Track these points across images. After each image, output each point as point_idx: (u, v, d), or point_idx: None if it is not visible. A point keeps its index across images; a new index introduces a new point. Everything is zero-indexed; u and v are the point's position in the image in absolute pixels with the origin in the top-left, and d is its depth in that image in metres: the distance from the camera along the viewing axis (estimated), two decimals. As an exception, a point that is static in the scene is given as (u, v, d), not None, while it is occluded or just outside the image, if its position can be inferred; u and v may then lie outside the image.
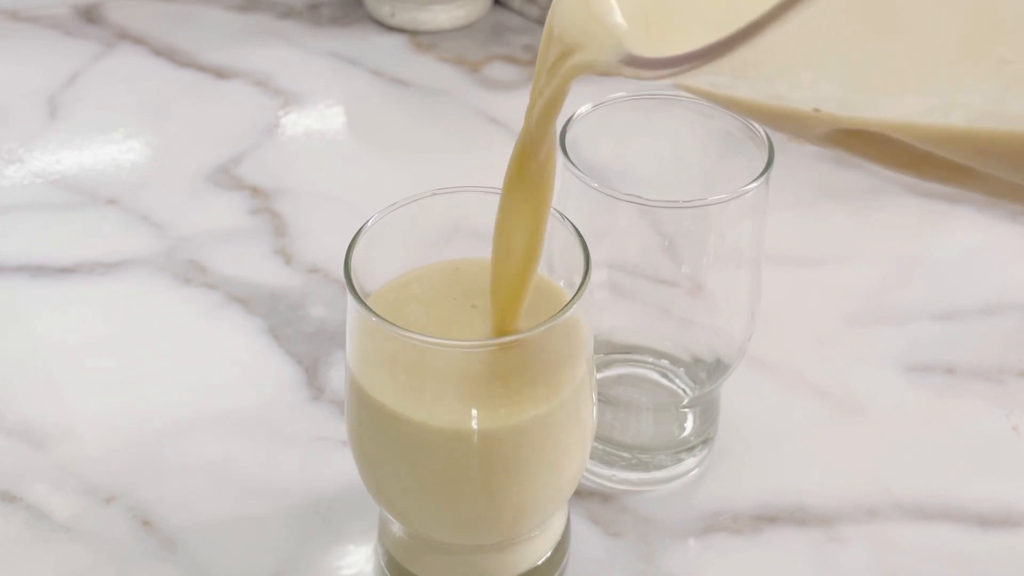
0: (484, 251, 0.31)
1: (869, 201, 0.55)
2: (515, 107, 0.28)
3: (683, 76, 0.20)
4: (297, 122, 0.62)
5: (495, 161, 0.31)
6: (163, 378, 0.45)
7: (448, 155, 0.59)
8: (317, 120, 0.62)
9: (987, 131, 0.18)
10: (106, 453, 0.42)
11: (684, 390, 0.40)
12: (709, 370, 0.40)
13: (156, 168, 0.58)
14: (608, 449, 0.40)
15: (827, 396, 0.44)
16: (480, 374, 0.29)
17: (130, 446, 0.42)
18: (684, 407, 0.41)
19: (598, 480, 0.41)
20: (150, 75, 0.66)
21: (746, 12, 0.18)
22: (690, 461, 0.41)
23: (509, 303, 0.30)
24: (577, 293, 0.29)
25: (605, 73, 0.23)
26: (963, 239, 0.53)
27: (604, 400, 0.40)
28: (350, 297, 0.30)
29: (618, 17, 0.23)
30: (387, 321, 0.28)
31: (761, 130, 0.36)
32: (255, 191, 0.56)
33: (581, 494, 0.40)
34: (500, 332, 0.31)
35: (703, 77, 0.20)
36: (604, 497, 0.40)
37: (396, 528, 0.36)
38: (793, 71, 0.19)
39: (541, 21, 0.65)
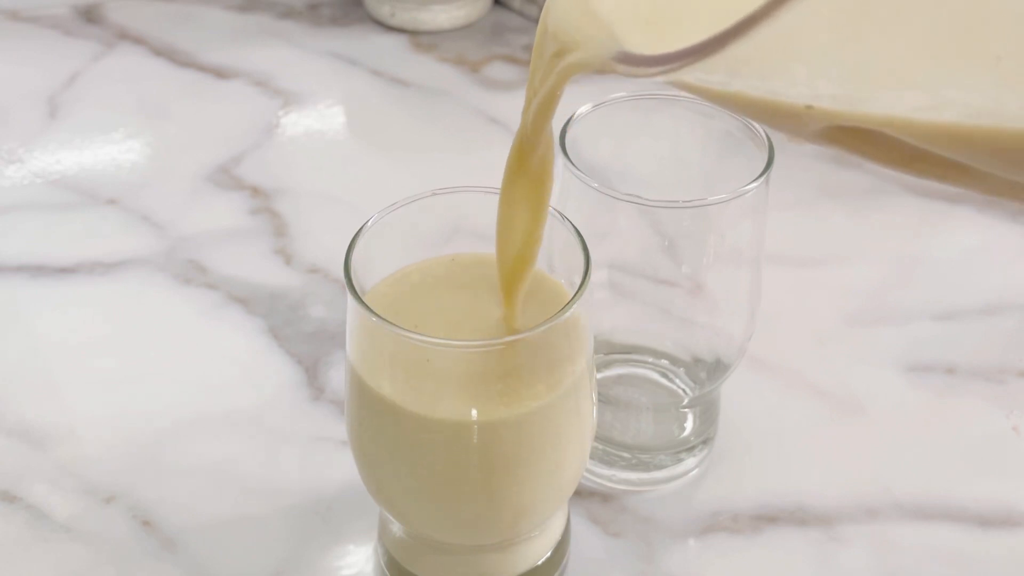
0: (483, 250, 0.31)
1: (869, 201, 0.55)
2: (515, 107, 0.28)
3: (677, 73, 0.20)
4: (297, 122, 0.62)
5: (495, 161, 0.31)
6: (163, 378, 0.45)
7: (448, 155, 0.59)
8: (317, 120, 0.62)
9: (980, 128, 0.18)
10: (106, 453, 0.42)
11: (684, 390, 0.40)
12: (709, 370, 0.40)
13: (156, 168, 0.58)
14: (608, 449, 0.40)
15: (827, 396, 0.44)
16: (480, 370, 0.29)
17: (130, 446, 0.42)
18: (684, 407, 0.41)
19: (598, 480, 0.41)
20: (150, 75, 0.66)
21: (740, 8, 0.18)
22: (690, 461, 0.41)
23: (509, 294, 0.30)
24: (577, 293, 0.29)
25: (600, 71, 0.23)
26: (963, 239, 0.53)
27: (604, 400, 0.40)
28: (350, 297, 0.30)
29: (612, 15, 0.23)
30: (387, 321, 0.28)
31: (761, 130, 0.36)
32: (255, 191, 0.56)
33: (581, 494, 0.40)
34: (504, 322, 0.31)
35: (697, 74, 0.20)
36: (604, 497, 0.40)
37: (396, 528, 0.36)
38: (786, 67, 0.19)
39: (541, 21, 0.65)
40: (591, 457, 0.41)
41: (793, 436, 0.43)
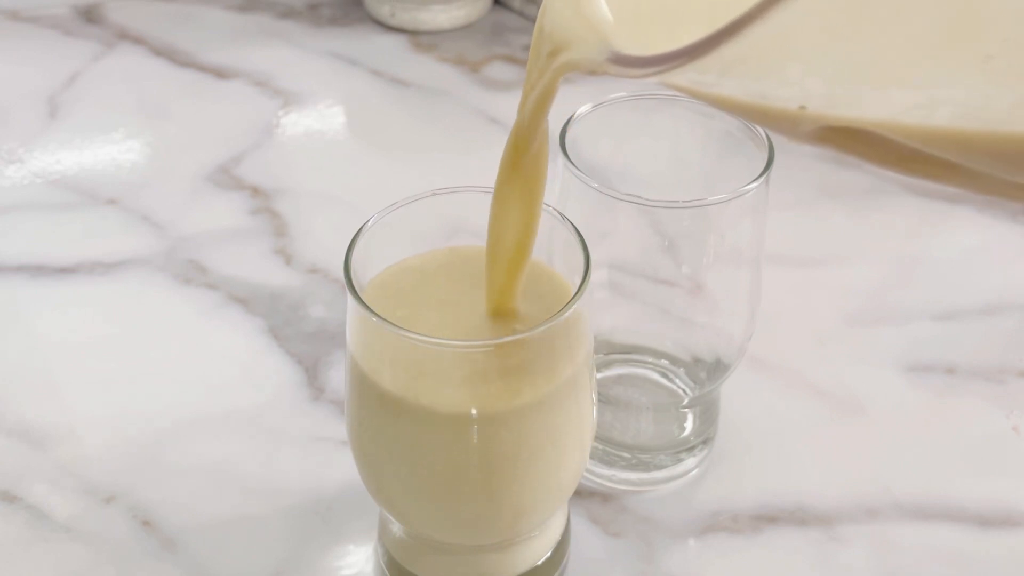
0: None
1: (869, 201, 0.55)
2: (515, 107, 0.28)
3: (670, 74, 0.20)
4: (297, 122, 0.62)
5: (495, 161, 0.31)
6: (163, 378, 0.45)
7: (448, 155, 0.59)
8: (317, 120, 0.62)
9: (972, 129, 0.18)
10: (106, 453, 0.42)
11: (684, 390, 0.40)
12: (709, 370, 0.40)
13: (156, 168, 0.58)
14: (608, 449, 0.40)
15: (827, 396, 0.44)
16: (480, 367, 0.29)
17: (130, 446, 0.42)
18: (684, 407, 0.41)
19: (598, 480, 0.41)
20: (150, 75, 0.66)
21: (732, 10, 0.18)
22: (690, 461, 0.41)
23: (503, 289, 0.30)
24: (577, 293, 0.29)
25: (592, 71, 0.24)
26: (963, 239, 0.53)
27: (604, 400, 0.40)
28: (350, 297, 0.30)
29: (606, 15, 0.24)
30: (387, 321, 0.28)
31: (761, 130, 0.36)
32: (255, 191, 0.56)
33: (581, 494, 0.40)
34: (498, 315, 0.31)
35: (689, 75, 0.20)
36: (604, 497, 0.40)
37: (396, 528, 0.36)
38: (778, 68, 0.19)
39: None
40: (591, 457, 0.41)
41: (793, 436, 0.43)
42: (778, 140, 0.35)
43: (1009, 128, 0.17)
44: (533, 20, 0.71)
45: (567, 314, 0.29)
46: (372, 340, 0.30)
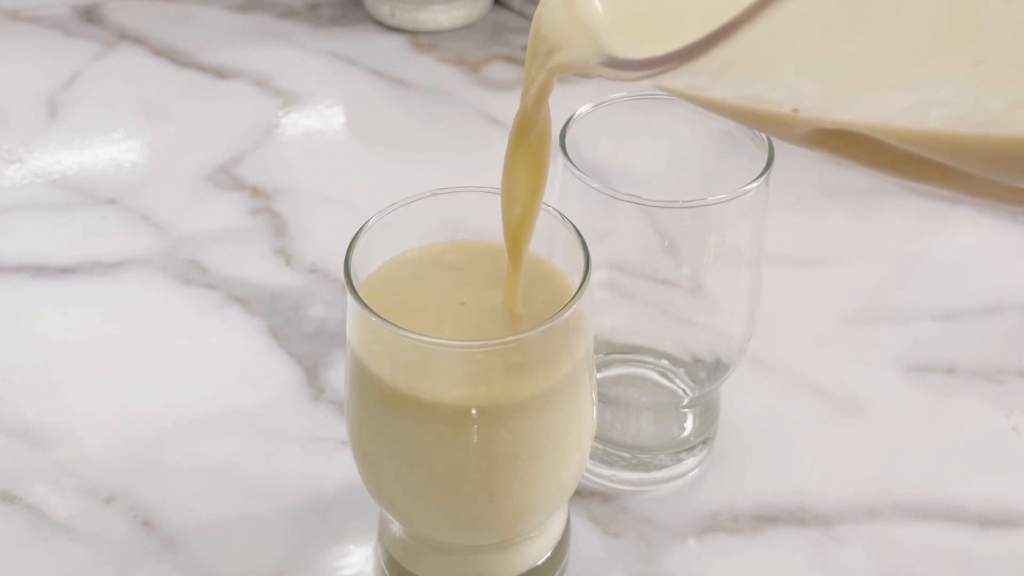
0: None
1: (869, 201, 0.55)
2: (515, 107, 0.29)
3: (662, 77, 0.20)
4: (297, 122, 0.62)
5: (495, 161, 0.31)
6: (163, 378, 0.45)
7: (448, 155, 0.59)
8: (317, 120, 0.62)
9: (965, 134, 0.18)
10: (106, 453, 0.42)
11: (684, 390, 0.40)
12: (709, 370, 0.40)
13: (156, 168, 0.58)
14: (608, 449, 0.41)
15: (827, 396, 0.44)
16: (481, 363, 0.29)
17: (130, 446, 0.42)
18: (684, 407, 0.41)
19: (598, 480, 0.41)
20: (150, 75, 0.66)
21: (724, 13, 0.18)
22: (690, 461, 0.41)
23: (513, 256, 0.31)
24: (577, 293, 0.29)
25: (585, 74, 0.24)
26: (963, 239, 0.53)
27: (604, 400, 0.40)
28: (351, 298, 0.30)
29: (600, 18, 0.24)
30: (387, 321, 0.28)
31: (761, 130, 0.36)
32: (255, 191, 0.56)
33: (581, 494, 0.40)
34: (504, 305, 0.31)
35: (683, 78, 0.20)
36: (604, 497, 0.40)
37: (396, 528, 0.36)
38: (771, 71, 0.19)
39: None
40: (591, 457, 0.41)
41: (793, 436, 0.43)
42: (778, 140, 0.35)
43: (1001, 131, 0.17)
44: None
45: (567, 314, 0.29)
46: (372, 339, 0.30)
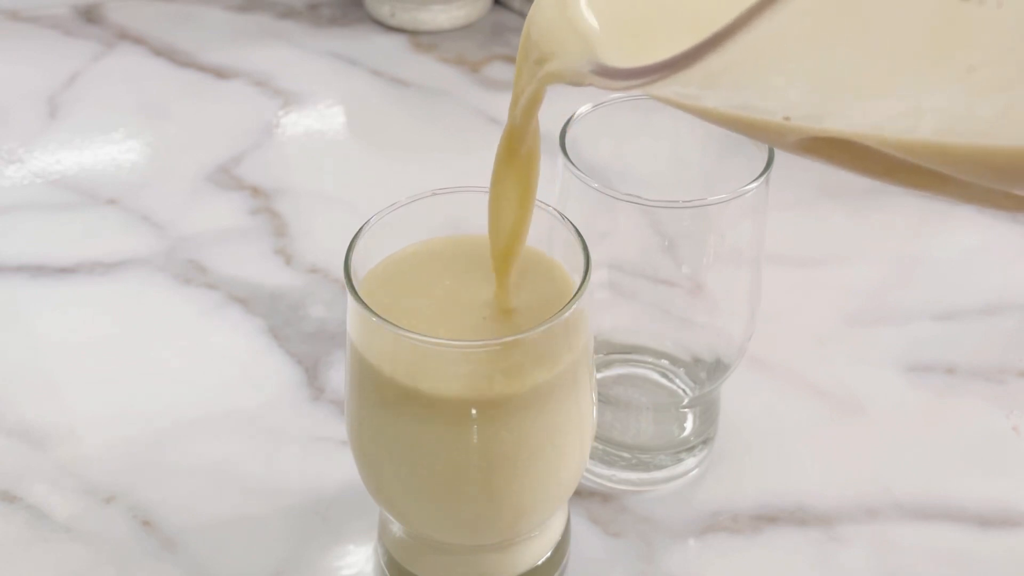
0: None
1: (869, 201, 0.55)
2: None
3: (653, 86, 0.20)
4: (297, 122, 0.62)
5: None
6: (163, 378, 0.45)
7: (448, 155, 0.59)
8: (317, 120, 0.62)
9: (956, 143, 0.18)
10: (106, 453, 0.42)
11: (684, 390, 0.40)
12: (709, 370, 0.40)
13: (156, 168, 0.58)
14: (608, 449, 0.41)
15: (827, 396, 0.44)
16: (480, 364, 0.29)
17: (130, 446, 0.42)
18: (684, 407, 0.41)
19: (598, 480, 0.41)
20: (150, 75, 0.66)
21: (717, 22, 0.18)
22: (690, 461, 0.41)
23: (501, 273, 0.31)
24: (577, 293, 0.29)
25: (576, 83, 0.24)
26: (963, 239, 0.53)
27: (604, 400, 0.40)
28: (351, 298, 0.30)
29: (591, 27, 0.24)
30: (387, 321, 0.29)
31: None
32: (255, 191, 0.56)
33: (581, 494, 0.40)
34: (499, 304, 0.31)
35: (674, 87, 0.20)
36: (604, 497, 0.40)
37: (396, 528, 0.36)
38: (761, 80, 0.19)
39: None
40: (591, 457, 0.41)
41: (793, 436, 0.43)
42: (778, 140, 0.35)
43: (993, 141, 0.18)
44: (533, 20, 0.71)
45: (567, 314, 0.29)
46: (373, 337, 0.30)
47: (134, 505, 0.40)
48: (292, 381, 0.45)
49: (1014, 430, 0.43)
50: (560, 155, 0.35)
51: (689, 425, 0.41)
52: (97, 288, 0.50)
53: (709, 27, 0.18)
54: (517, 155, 0.29)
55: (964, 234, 0.53)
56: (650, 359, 0.41)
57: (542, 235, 0.33)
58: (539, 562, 0.36)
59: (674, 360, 0.41)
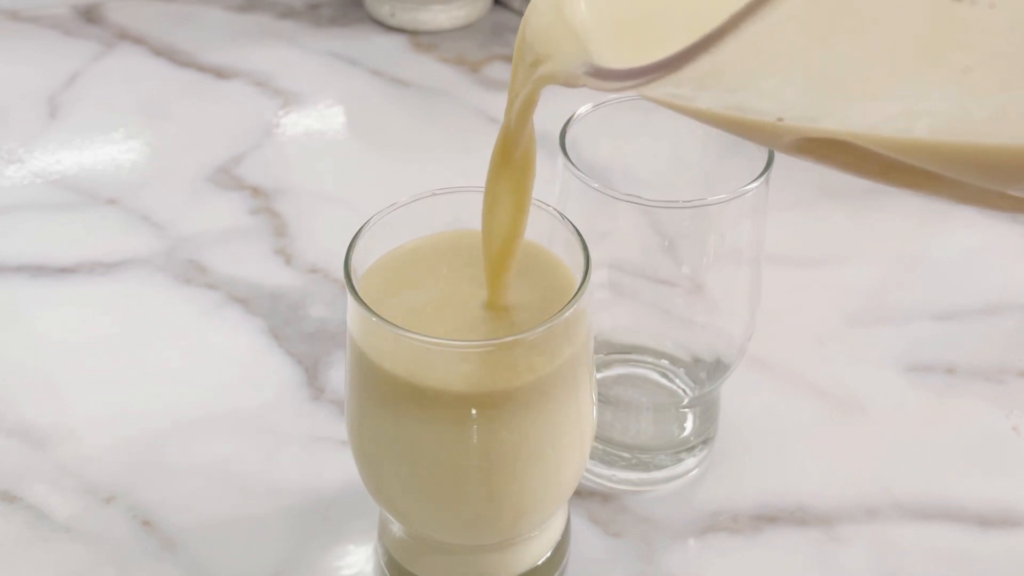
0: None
1: (869, 201, 0.55)
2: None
3: (646, 88, 0.20)
4: (297, 122, 0.62)
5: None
6: (163, 378, 0.45)
7: (448, 155, 0.59)
8: (317, 120, 0.62)
9: (951, 143, 0.18)
10: (106, 453, 0.42)
11: (684, 390, 0.40)
12: (709, 370, 0.40)
13: (156, 168, 0.58)
14: (608, 449, 0.41)
15: (827, 396, 0.44)
16: (480, 363, 0.29)
17: (130, 446, 0.42)
18: (684, 407, 0.41)
19: (598, 480, 0.41)
20: (150, 75, 0.66)
21: (712, 23, 0.18)
22: (690, 461, 0.41)
23: (495, 278, 0.31)
24: (577, 293, 0.29)
25: (571, 84, 0.24)
26: (963, 239, 0.53)
27: (604, 400, 0.40)
28: (351, 298, 0.30)
29: (585, 29, 0.24)
30: (387, 321, 0.29)
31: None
32: (255, 191, 0.56)
33: (581, 494, 0.40)
34: (494, 299, 0.31)
35: (667, 88, 0.20)
36: (604, 497, 0.40)
37: (396, 528, 0.36)
38: (755, 81, 0.19)
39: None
40: (591, 457, 0.41)
41: (793, 436, 0.43)
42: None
43: (987, 140, 0.18)
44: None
45: (567, 314, 0.29)
46: (373, 334, 0.30)
47: (134, 505, 0.40)
48: (292, 381, 0.45)
49: (1014, 430, 0.43)
50: (560, 155, 0.35)
51: (689, 425, 0.41)
52: (97, 288, 0.50)
53: (702, 29, 0.18)
54: (513, 158, 0.29)
55: (964, 234, 0.53)
56: (650, 359, 0.41)
57: (542, 235, 0.33)
58: (539, 562, 0.36)
59: (674, 360, 0.41)
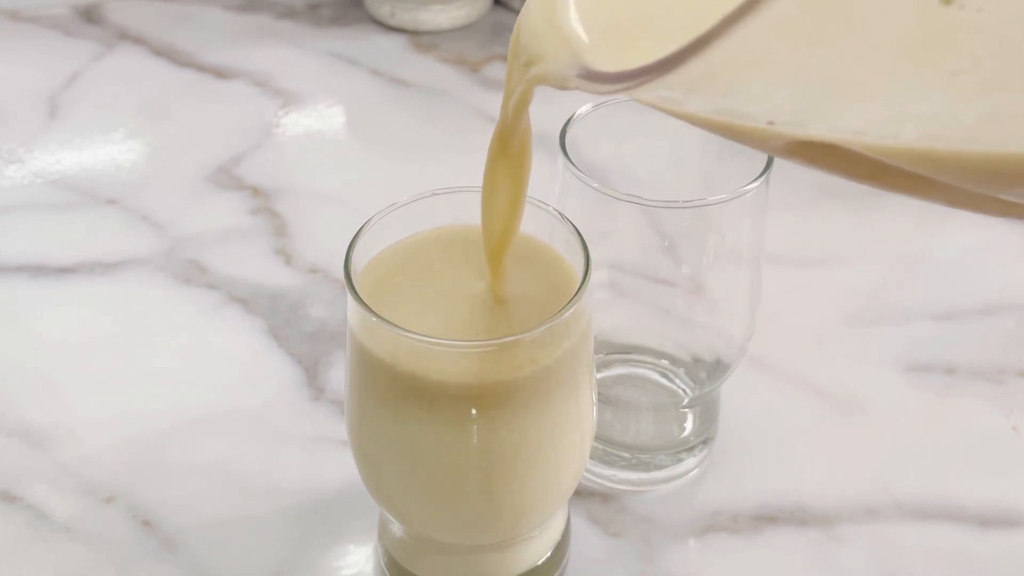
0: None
1: (869, 201, 0.55)
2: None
3: (637, 90, 0.21)
4: (297, 122, 0.62)
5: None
6: (163, 378, 0.45)
7: (448, 155, 0.59)
8: (317, 120, 0.62)
9: (940, 150, 0.18)
10: (106, 453, 0.42)
11: (684, 390, 0.40)
12: (709, 370, 0.40)
13: (156, 168, 0.58)
14: (608, 449, 0.41)
15: (827, 396, 0.44)
16: (480, 362, 0.29)
17: (130, 446, 0.42)
18: (684, 407, 0.41)
19: (598, 480, 0.41)
20: (150, 75, 0.66)
21: (703, 25, 0.18)
22: (690, 461, 0.41)
23: (494, 264, 0.31)
24: (577, 293, 0.29)
25: (562, 86, 0.24)
26: (963, 239, 0.53)
27: (604, 400, 0.40)
28: (351, 297, 0.30)
29: (577, 32, 0.24)
30: (387, 321, 0.29)
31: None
32: (255, 191, 0.56)
33: (581, 494, 0.40)
34: (497, 294, 0.31)
35: (659, 92, 0.20)
36: (604, 497, 0.40)
37: (396, 528, 0.36)
38: (745, 84, 0.19)
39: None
40: (591, 457, 0.41)
41: (793, 436, 0.43)
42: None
43: (976, 146, 0.18)
44: (533, 20, 0.71)
45: (567, 314, 0.29)
46: (374, 333, 0.30)
47: (134, 505, 0.40)
48: (292, 381, 0.45)
49: (1014, 430, 0.43)
50: (560, 155, 0.35)
51: (689, 425, 0.41)
52: (97, 288, 0.50)
53: (693, 32, 0.18)
54: (509, 150, 0.29)
55: (964, 234, 0.53)
56: (650, 359, 0.41)
57: (542, 235, 0.33)
58: (539, 562, 0.36)
59: (674, 360, 0.41)
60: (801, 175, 0.56)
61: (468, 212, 0.33)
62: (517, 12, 0.71)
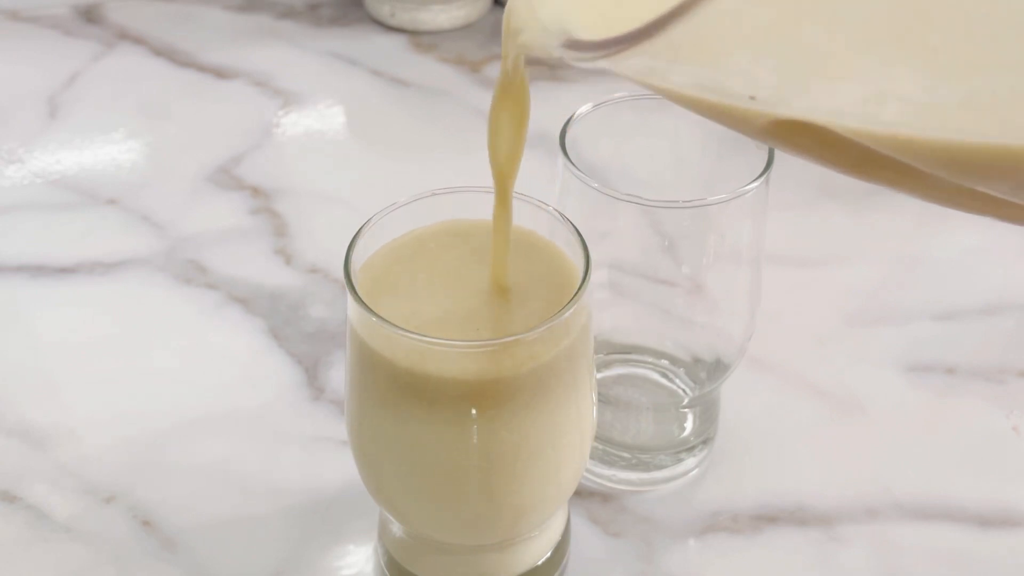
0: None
1: (869, 201, 0.55)
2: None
3: (621, 59, 0.21)
4: (297, 122, 0.62)
5: (495, 161, 0.31)
6: (163, 378, 0.45)
7: (448, 155, 0.59)
8: (317, 120, 0.62)
9: (921, 138, 0.18)
10: (106, 453, 0.42)
11: (684, 390, 0.40)
12: (709, 370, 0.40)
13: (156, 168, 0.58)
14: (608, 449, 0.41)
15: (827, 396, 0.44)
16: (479, 361, 0.29)
17: (130, 446, 0.42)
18: (684, 407, 0.41)
19: (598, 480, 0.41)
20: (150, 75, 0.66)
21: None
22: (690, 461, 0.41)
23: (501, 200, 0.31)
24: (577, 293, 0.29)
25: (547, 56, 0.24)
26: (963, 239, 0.53)
27: (604, 400, 0.40)
28: (351, 298, 0.30)
29: (564, 4, 0.24)
30: (387, 321, 0.29)
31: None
32: (255, 191, 0.56)
33: (581, 494, 0.40)
34: (498, 286, 0.31)
35: (641, 59, 0.20)
36: (604, 497, 0.40)
37: (396, 528, 0.36)
38: (726, 55, 0.19)
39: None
40: (591, 457, 0.41)
41: (793, 436, 0.43)
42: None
43: (957, 137, 0.18)
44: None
45: (567, 314, 0.29)
46: (374, 332, 0.30)
47: (134, 505, 0.40)
48: (292, 381, 0.45)
49: (1014, 430, 0.43)
50: (560, 155, 0.35)
51: (689, 425, 0.41)
52: (97, 288, 0.50)
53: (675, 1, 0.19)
54: (511, 89, 0.30)
55: (964, 234, 0.53)
56: (650, 359, 0.41)
57: (543, 235, 0.33)
58: (539, 562, 0.36)
59: (674, 360, 0.41)
60: (801, 175, 0.56)
61: (469, 212, 0.33)
62: (517, 12, 0.71)
